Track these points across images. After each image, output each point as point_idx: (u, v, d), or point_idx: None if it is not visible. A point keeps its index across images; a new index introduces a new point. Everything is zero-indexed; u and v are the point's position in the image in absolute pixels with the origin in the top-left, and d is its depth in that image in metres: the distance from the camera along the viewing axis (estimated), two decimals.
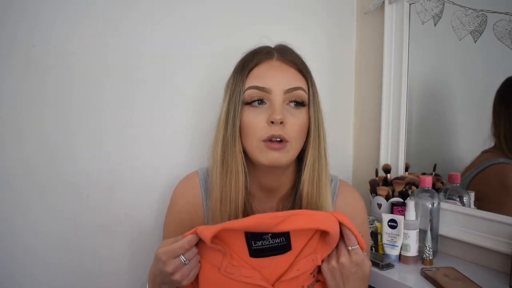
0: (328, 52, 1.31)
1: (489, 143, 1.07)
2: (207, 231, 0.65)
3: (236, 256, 0.68)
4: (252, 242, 0.68)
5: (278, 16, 1.19)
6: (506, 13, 0.97)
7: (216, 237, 0.67)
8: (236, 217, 0.80)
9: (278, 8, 1.19)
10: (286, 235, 0.68)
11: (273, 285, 0.69)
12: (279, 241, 0.68)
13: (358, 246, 0.70)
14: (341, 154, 1.38)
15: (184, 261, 0.66)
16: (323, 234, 0.70)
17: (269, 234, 0.67)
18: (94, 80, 0.93)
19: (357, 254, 0.70)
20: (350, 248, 0.69)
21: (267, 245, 0.68)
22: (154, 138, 1.02)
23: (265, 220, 0.65)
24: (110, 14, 0.94)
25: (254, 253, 0.68)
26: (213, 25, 1.08)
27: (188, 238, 0.66)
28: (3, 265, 0.85)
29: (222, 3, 1.09)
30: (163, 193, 1.02)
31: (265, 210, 0.87)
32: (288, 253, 0.69)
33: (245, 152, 0.81)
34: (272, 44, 0.86)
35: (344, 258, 0.69)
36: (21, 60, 0.85)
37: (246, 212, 0.83)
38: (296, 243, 0.69)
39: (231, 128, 0.78)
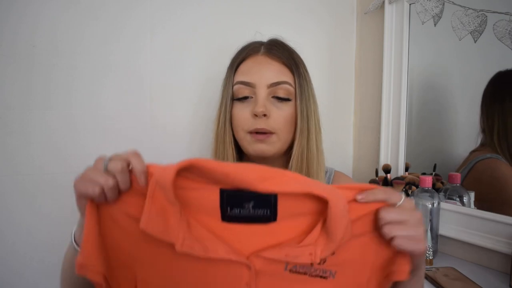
0: (328, 52, 1.31)
1: (477, 142, 1.09)
2: (166, 169, 0.48)
3: (196, 224, 0.51)
4: (228, 208, 0.51)
5: (278, 16, 1.19)
6: (506, 13, 0.97)
7: (178, 190, 0.50)
8: None
9: (278, 8, 1.19)
10: (272, 205, 0.51)
11: (247, 258, 0.51)
12: (262, 213, 0.51)
13: (402, 199, 0.53)
14: (341, 154, 1.38)
15: (105, 165, 0.51)
16: (326, 225, 0.51)
17: (251, 203, 0.51)
18: (95, 80, 0.93)
19: (408, 202, 0.53)
20: (398, 204, 0.52)
21: (245, 215, 0.51)
22: (154, 138, 1.02)
23: (249, 171, 0.49)
24: (111, 15, 0.94)
25: (227, 218, 0.52)
26: (212, 25, 1.08)
27: (135, 156, 0.51)
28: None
29: (222, 3, 1.09)
30: None
31: None
32: (272, 225, 0.52)
33: (237, 144, 0.85)
34: (265, 39, 0.88)
35: (402, 214, 0.51)
36: (21, 60, 0.85)
37: None
38: (285, 219, 0.52)
39: (222, 121, 0.83)
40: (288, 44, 0.86)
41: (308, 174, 0.82)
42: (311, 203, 0.52)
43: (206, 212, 0.51)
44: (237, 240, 0.52)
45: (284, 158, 0.86)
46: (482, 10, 1.02)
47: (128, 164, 0.51)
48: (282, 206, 0.51)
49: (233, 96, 0.82)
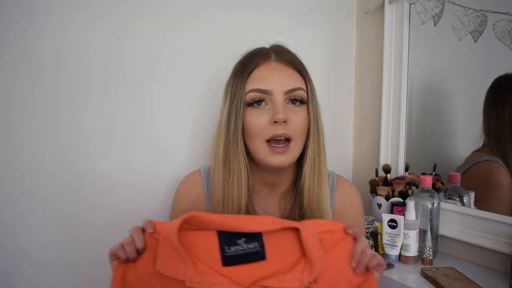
0: (328, 52, 1.31)
1: (479, 143, 1.10)
2: (172, 223, 0.63)
3: (201, 264, 0.63)
4: (226, 247, 0.64)
5: (278, 16, 1.19)
6: (506, 13, 0.97)
7: (181, 240, 0.63)
8: None
9: (278, 8, 1.19)
10: (259, 240, 0.65)
11: None
12: (253, 246, 0.64)
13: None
14: (341, 154, 1.38)
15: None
16: (307, 256, 0.65)
17: (243, 239, 0.64)
18: (94, 81, 0.93)
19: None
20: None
21: (240, 251, 0.64)
22: (154, 138, 1.02)
23: (237, 219, 0.65)
24: (110, 15, 0.94)
25: (227, 260, 0.64)
26: (212, 26, 1.08)
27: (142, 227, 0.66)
28: (1, 266, 0.85)
29: (222, 3, 1.09)
30: (163, 193, 1.02)
31: (267, 205, 0.89)
32: (264, 262, 0.65)
33: (247, 152, 0.83)
34: (267, 44, 0.87)
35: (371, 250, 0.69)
36: (20, 60, 0.85)
37: (248, 211, 0.84)
38: (273, 254, 0.65)
39: (233, 129, 0.80)
40: (291, 49, 0.87)
41: (320, 177, 0.83)
42: (291, 237, 0.66)
43: (208, 254, 0.64)
44: (238, 276, 0.63)
45: (295, 164, 0.86)
46: (482, 10, 1.02)
47: (142, 228, 0.66)
48: (268, 243, 0.65)
49: (246, 103, 0.81)
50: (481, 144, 1.09)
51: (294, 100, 0.81)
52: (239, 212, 0.81)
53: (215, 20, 1.09)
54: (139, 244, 0.64)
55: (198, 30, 1.06)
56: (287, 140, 0.80)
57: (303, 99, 0.82)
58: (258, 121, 0.80)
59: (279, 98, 0.79)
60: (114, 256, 0.64)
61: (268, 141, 0.79)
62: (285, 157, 0.80)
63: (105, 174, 0.96)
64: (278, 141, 0.79)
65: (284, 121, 0.78)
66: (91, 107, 0.93)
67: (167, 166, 1.04)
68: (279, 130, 0.78)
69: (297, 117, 0.80)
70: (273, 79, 0.80)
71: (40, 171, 0.88)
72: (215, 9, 1.08)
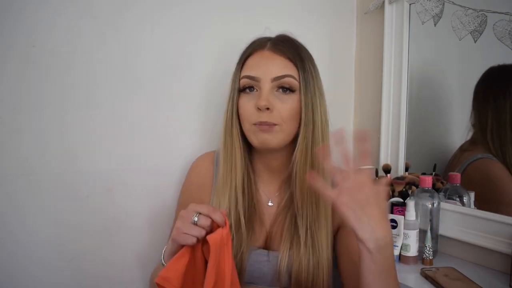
0: (328, 52, 1.31)
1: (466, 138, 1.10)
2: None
3: None
4: None
5: (278, 16, 1.18)
6: (506, 13, 0.97)
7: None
8: (236, 197, 0.85)
9: (278, 7, 1.19)
10: None
11: None
12: None
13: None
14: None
15: (194, 220, 0.69)
16: None
17: None
18: (94, 80, 0.93)
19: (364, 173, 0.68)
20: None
21: None
22: (154, 137, 1.02)
23: None
24: (110, 14, 0.94)
25: None
26: (213, 21, 1.08)
27: (218, 210, 0.71)
28: (2, 265, 0.85)
29: (222, 2, 1.09)
30: (163, 193, 1.02)
31: (270, 191, 0.92)
32: None
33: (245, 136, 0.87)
34: (273, 35, 0.90)
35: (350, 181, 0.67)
36: (21, 60, 0.85)
37: (252, 195, 0.88)
38: None
39: (230, 113, 0.87)
40: (296, 40, 0.89)
41: (312, 166, 0.84)
42: None
43: None
44: None
45: (288, 150, 0.88)
46: (482, 10, 1.02)
47: (211, 219, 0.70)
48: None
49: (239, 89, 0.85)
50: (468, 138, 1.09)
51: (284, 88, 0.83)
52: (235, 191, 0.86)
53: (215, 20, 1.08)
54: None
55: (199, 24, 1.06)
56: (274, 124, 0.82)
57: (291, 86, 0.83)
58: (247, 106, 0.84)
59: (265, 85, 0.82)
60: (182, 244, 0.70)
61: (255, 124, 0.83)
62: (269, 136, 0.82)
63: (105, 174, 0.96)
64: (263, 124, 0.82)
65: (267, 108, 0.81)
66: (92, 107, 0.93)
67: (167, 165, 1.04)
68: (263, 117, 0.81)
69: (283, 105, 0.83)
70: (262, 66, 0.84)
71: (40, 171, 0.88)
72: (216, 10, 1.08)
